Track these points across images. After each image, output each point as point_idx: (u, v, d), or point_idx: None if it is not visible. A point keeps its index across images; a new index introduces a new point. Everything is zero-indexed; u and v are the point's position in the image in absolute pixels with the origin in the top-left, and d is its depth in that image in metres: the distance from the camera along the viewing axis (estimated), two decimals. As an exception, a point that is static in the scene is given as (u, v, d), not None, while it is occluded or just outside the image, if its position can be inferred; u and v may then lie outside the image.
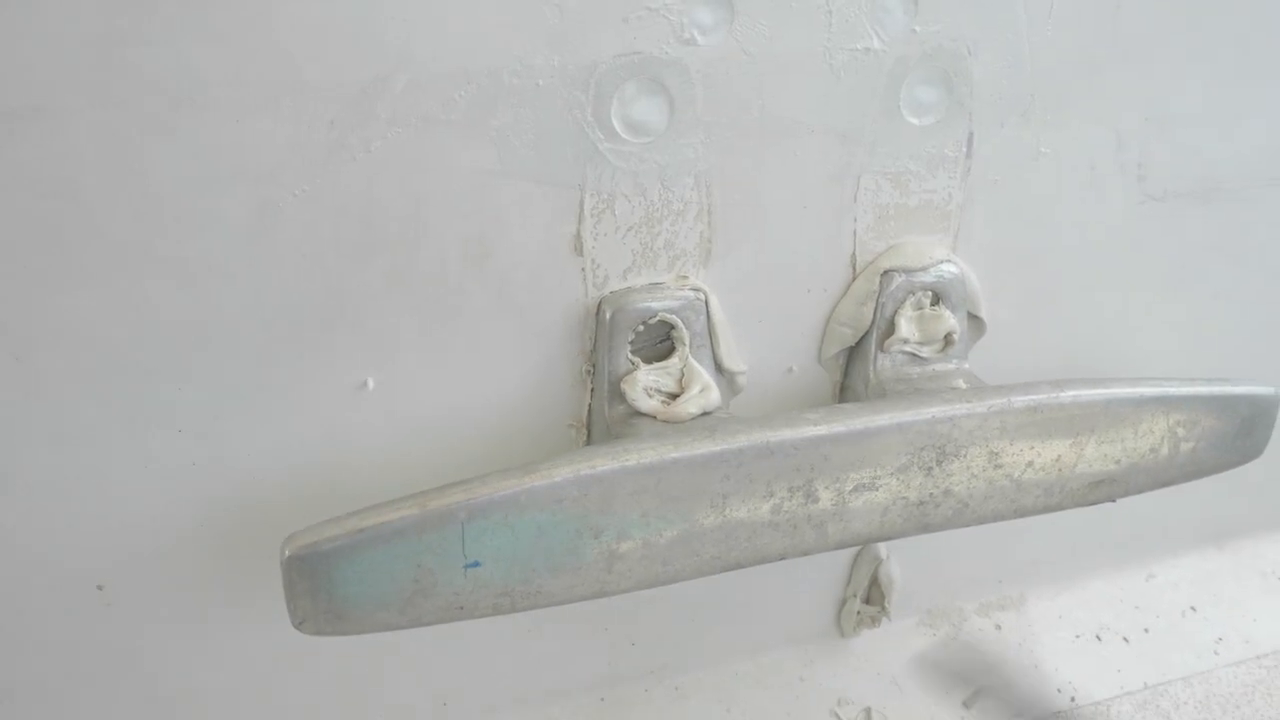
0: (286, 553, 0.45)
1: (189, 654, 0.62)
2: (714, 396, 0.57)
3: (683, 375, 0.57)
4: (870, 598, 0.78)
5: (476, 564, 0.48)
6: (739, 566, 0.55)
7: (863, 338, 0.64)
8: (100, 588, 0.57)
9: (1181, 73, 0.64)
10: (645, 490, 0.50)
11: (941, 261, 0.62)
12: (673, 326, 0.58)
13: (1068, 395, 0.58)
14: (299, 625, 0.47)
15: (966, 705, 0.80)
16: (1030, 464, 0.59)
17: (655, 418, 0.57)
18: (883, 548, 0.77)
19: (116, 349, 0.50)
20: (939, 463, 0.57)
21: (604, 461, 0.49)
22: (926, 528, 0.59)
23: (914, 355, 0.63)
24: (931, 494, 0.57)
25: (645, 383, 0.57)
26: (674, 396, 0.57)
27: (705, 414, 0.57)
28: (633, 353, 0.57)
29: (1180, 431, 0.62)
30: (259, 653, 0.63)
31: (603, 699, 0.75)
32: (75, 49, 0.43)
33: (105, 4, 0.43)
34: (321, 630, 0.47)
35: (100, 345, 0.50)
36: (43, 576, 0.56)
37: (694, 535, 0.53)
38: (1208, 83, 0.65)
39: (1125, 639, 0.87)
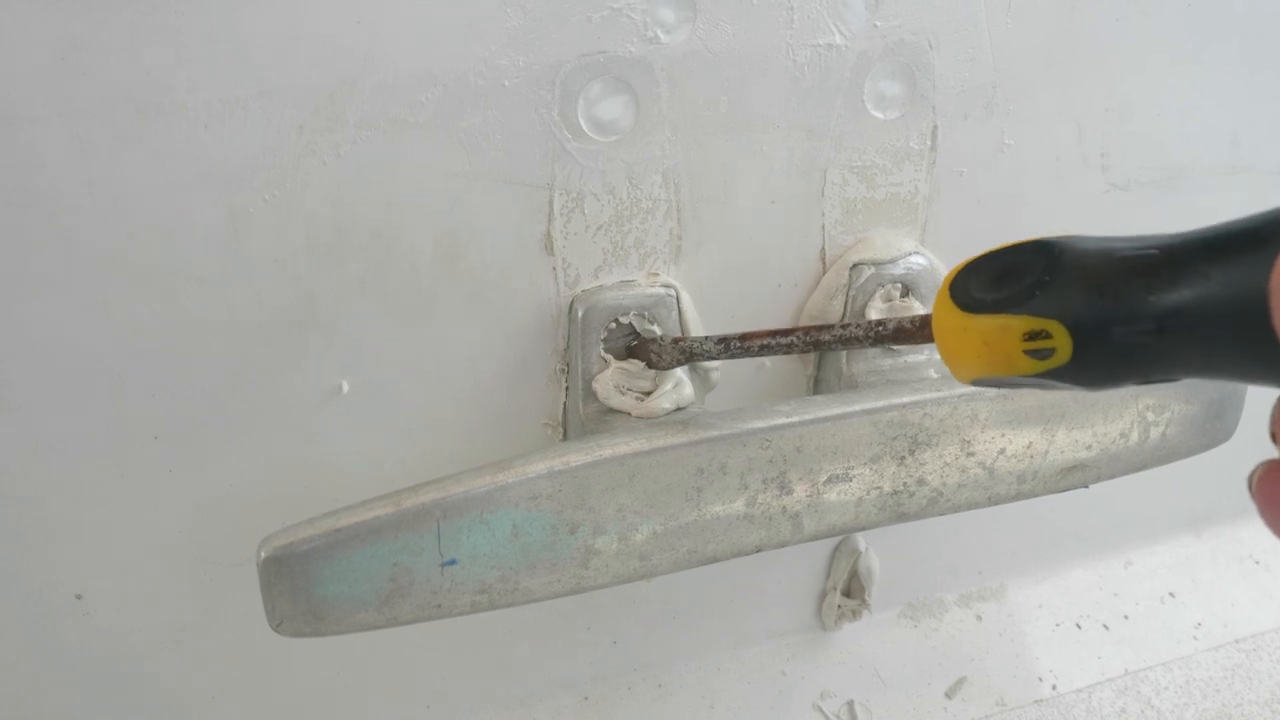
0: (263, 554, 0.46)
1: (170, 661, 0.62)
2: (687, 392, 0.57)
3: (655, 373, 0.58)
4: (850, 591, 0.79)
5: (453, 562, 0.48)
6: (715, 560, 0.55)
7: (834, 331, 0.64)
8: (79, 597, 0.57)
9: (1141, 63, 0.65)
10: (619, 485, 0.51)
11: (910, 254, 0.63)
12: (647, 322, 0.58)
13: (1037, 382, 0.59)
14: (277, 627, 0.47)
15: (948, 696, 0.81)
16: (1002, 451, 0.60)
17: (629, 414, 0.58)
18: (861, 540, 0.77)
19: (89, 357, 0.50)
20: (912, 452, 0.57)
21: (577, 456, 0.50)
22: (901, 517, 0.59)
23: (886, 347, 0.64)
24: (905, 483, 0.58)
25: (617, 380, 0.57)
26: (647, 393, 0.58)
27: (679, 409, 0.57)
28: (605, 350, 0.58)
29: (1150, 416, 0.63)
30: (240, 658, 0.63)
31: (586, 698, 0.75)
32: (38, 58, 0.43)
33: (68, 12, 0.43)
34: (300, 631, 0.47)
35: (72, 353, 0.50)
36: (20, 586, 0.56)
37: (669, 529, 0.53)
38: (1167, 73, 0.66)
39: (1105, 626, 0.88)
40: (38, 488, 0.53)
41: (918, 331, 0.40)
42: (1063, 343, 0.32)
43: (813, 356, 0.66)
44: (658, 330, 0.58)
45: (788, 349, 0.47)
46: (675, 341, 0.53)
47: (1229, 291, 0.28)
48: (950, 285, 0.36)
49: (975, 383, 0.36)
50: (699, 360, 0.53)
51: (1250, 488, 0.32)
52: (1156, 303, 0.29)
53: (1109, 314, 0.31)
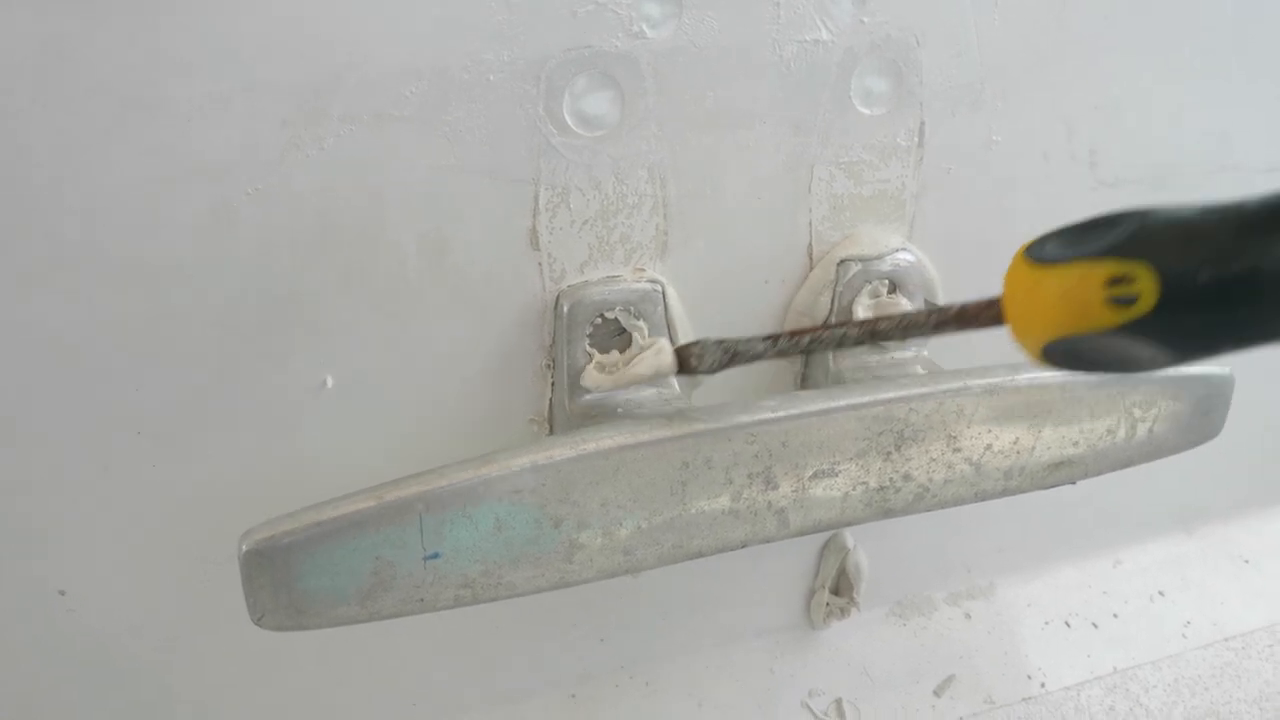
0: (244, 548, 0.45)
1: (154, 657, 0.61)
2: (667, 358, 0.56)
3: (635, 352, 0.58)
4: (839, 588, 0.79)
5: (436, 555, 0.48)
6: (700, 555, 0.55)
7: (822, 327, 0.64)
8: (62, 593, 0.57)
9: (1129, 60, 0.65)
10: (604, 479, 0.51)
11: (897, 250, 0.63)
12: (633, 318, 0.58)
13: (1024, 378, 0.59)
14: (258, 621, 0.47)
15: (937, 694, 0.81)
16: (989, 447, 0.60)
17: (618, 409, 0.57)
18: (850, 538, 0.77)
19: (71, 352, 0.50)
20: (898, 447, 0.57)
21: (561, 450, 0.50)
22: (888, 513, 0.59)
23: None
24: (891, 479, 0.58)
25: (600, 369, 0.57)
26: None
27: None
28: (591, 345, 0.58)
29: (1137, 412, 0.63)
30: (225, 655, 0.63)
31: (573, 696, 0.75)
32: (22, 51, 0.43)
33: (51, 6, 0.43)
34: (281, 625, 0.47)
35: (54, 348, 0.50)
36: (2, 583, 0.56)
37: (654, 524, 0.53)
38: (1155, 70, 0.66)
39: (1094, 624, 0.88)
40: (19, 483, 0.53)
41: (984, 311, 0.38)
42: (1148, 288, 0.30)
43: (800, 353, 0.66)
44: (643, 325, 0.58)
45: (840, 341, 0.45)
46: (719, 342, 0.50)
47: None
48: (1027, 249, 0.34)
49: (1046, 355, 0.34)
50: (744, 361, 0.50)
51: None
52: (1251, 250, 0.28)
53: (1199, 257, 0.29)
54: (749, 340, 0.48)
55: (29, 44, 0.43)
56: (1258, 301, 0.28)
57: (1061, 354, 0.33)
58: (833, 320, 0.44)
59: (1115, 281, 0.30)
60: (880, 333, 0.43)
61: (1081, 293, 0.31)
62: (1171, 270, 0.29)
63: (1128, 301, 0.30)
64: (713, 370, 0.50)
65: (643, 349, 0.57)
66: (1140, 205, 0.32)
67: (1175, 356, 0.31)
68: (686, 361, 0.51)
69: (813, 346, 0.45)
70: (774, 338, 0.46)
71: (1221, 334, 0.30)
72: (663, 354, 0.55)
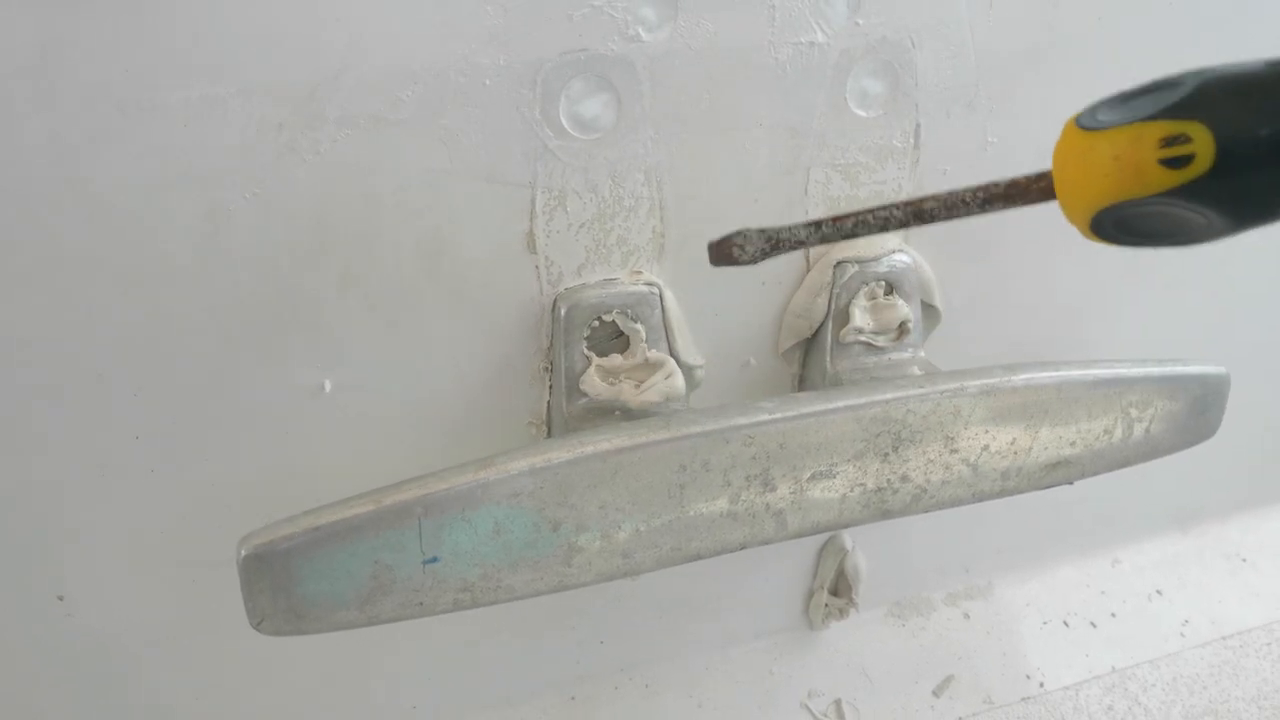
0: (243, 552, 0.45)
1: (152, 661, 0.61)
2: (679, 382, 0.57)
3: (646, 362, 0.58)
4: (837, 589, 0.79)
5: (435, 559, 0.48)
6: (699, 557, 0.55)
7: (819, 329, 0.64)
8: (61, 598, 0.57)
9: (1122, 62, 0.65)
10: (602, 482, 0.51)
11: (894, 251, 0.63)
12: (630, 320, 0.58)
13: (1020, 379, 0.59)
14: (257, 625, 0.47)
15: (936, 694, 0.81)
16: (986, 448, 0.60)
17: (615, 411, 0.57)
18: (848, 539, 0.77)
19: (70, 356, 0.50)
20: (895, 449, 0.57)
21: (559, 453, 0.50)
22: (885, 514, 0.59)
23: (869, 345, 0.64)
24: (889, 480, 0.58)
25: (601, 375, 0.57)
26: (636, 381, 0.57)
27: (669, 400, 0.57)
28: (589, 348, 0.58)
29: (1133, 412, 0.63)
30: (223, 660, 0.63)
31: (573, 697, 0.75)
32: (19, 55, 0.43)
33: (48, 10, 0.43)
34: (280, 630, 0.47)
35: (53, 352, 0.50)
36: (1, 588, 0.56)
37: (652, 527, 0.53)
38: (1150, 70, 0.66)
39: (1092, 624, 0.88)
40: (18, 488, 0.53)
41: (1033, 185, 0.36)
42: (1204, 147, 0.28)
43: (797, 355, 0.66)
44: (640, 328, 0.58)
45: (885, 224, 0.41)
46: (761, 231, 0.46)
47: None
48: (1078, 117, 0.33)
49: (1095, 226, 0.32)
50: (786, 250, 0.46)
51: None
52: None
53: (1256, 109, 0.28)
54: (792, 227, 0.45)
55: (26, 48, 0.43)
56: None
57: (1112, 223, 0.32)
58: (872, 211, 0.41)
59: (1169, 142, 0.29)
60: (925, 212, 0.40)
61: (1134, 155, 0.30)
62: (1229, 127, 0.28)
63: (1183, 162, 0.29)
64: (755, 259, 0.47)
65: (652, 366, 0.57)
66: (1200, 66, 0.30)
67: (1231, 222, 0.30)
68: (729, 253, 0.48)
69: (856, 230, 0.42)
70: (817, 223, 0.43)
71: (1268, 166, 0.29)
72: (674, 378, 0.56)
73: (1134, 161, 0.30)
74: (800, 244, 0.45)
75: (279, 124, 0.48)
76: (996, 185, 0.37)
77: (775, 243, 0.45)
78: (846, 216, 0.42)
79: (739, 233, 0.46)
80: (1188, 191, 0.29)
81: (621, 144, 0.55)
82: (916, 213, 0.40)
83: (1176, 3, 0.64)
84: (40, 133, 0.45)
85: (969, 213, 0.39)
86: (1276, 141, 0.27)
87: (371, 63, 0.48)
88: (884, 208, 0.40)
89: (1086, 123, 0.32)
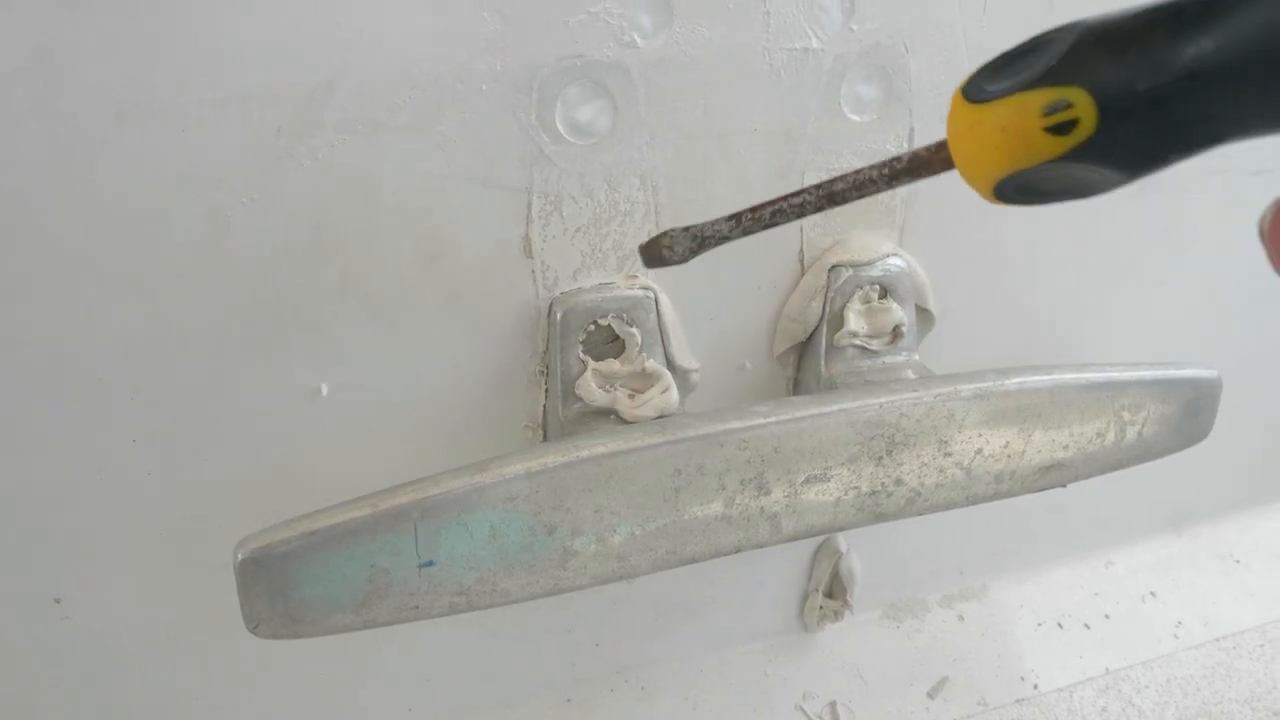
0: (240, 556, 0.46)
1: (149, 665, 0.62)
2: (673, 397, 0.58)
3: (644, 371, 0.58)
4: (832, 592, 0.79)
5: (431, 563, 0.49)
6: (694, 561, 0.55)
7: (813, 333, 0.64)
8: (58, 601, 0.57)
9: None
10: (597, 486, 0.51)
11: (888, 255, 0.63)
12: (626, 324, 0.58)
13: (1013, 383, 0.59)
14: (254, 629, 0.47)
15: (931, 696, 0.81)
16: (979, 451, 0.60)
17: (613, 413, 0.58)
18: (843, 541, 0.78)
19: (67, 359, 0.50)
20: (889, 452, 0.58)
21: (555, 457, 0.50)
22: (880, 517, 0.60)
23: (864, 348, 0.64)
24: (883, 483, 0.58)
25: (597, 380, 0.57)
26: (631, 391, 0.58)
27: (663, 415, 0.57)
28: (584, 352, 0.58)
29: (1126, 415, 0.64)
30: (220, 663, 0.63)
31: (568, 700, 0.75)
32: (17, 60, 0.43)
33: (46, 14, 0.43)
34: (277, 634, 0.47)
35: (50, 356, 0.50)
36: (-1, 591, 0.56)
37: (647, 530, 0.53)
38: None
39: (1086, 625, 0.88)
40: (15, 490, 0.53)
41: (935, 156, 0.36)
42: (1086, 110, 0.29)
43: (792, 358, 0.67)
44: (636, 333, 0.58)
45: (800, 210, 0.42)
46: (686, 230, 0.46)
47: (1258, 8, 0.25)
48: (963, 88, 0.33)
49: (998, 194, 0.33)
50: (713, 245, 0.46)
51: (1261, 233, 0.29)
52: (1184, 45, 0.27)
53: (1132, 66, 0.28)
54: (714, 222, 0.45)
55: (24, 53, 0.43)
56: (1199, 107, 0.27)
57: (1013, 190, 0.32)
58: (796, 196, 0.42)
59: (1052, 109, 0.29)
60: (837, 194, 0.40)
61: (1020, 126, 0.30)
62: (1107, 88, 0.28)
63: (1068, 127, 0.29)
64: (685, 259, 0.48)
65: (649, 377, 0.57)
66: (1072, 20, 0.30)
67: (1126, 174, 0.30)
68: (659, 254, 0.48)
69: (775, 219, 0.43)
70: (737, 216, 0.44)
71: (1168, 144, 0.29)
72: (669, 393, 0.56)
73: (1021, 133, 0.30)
74: (725, 238, 0.45)
75: (277, 129, 0.49)
76: (900, 160, 0.37)
77: (701, 239, 0.46)
78: (764, 206, 0.42)
79: (666, 233, 0.47)
80: (1077, 154, 0.30)
81: (617, 149, 0.55)
82: (828, 195, 0.40)
83: (1169, 8, 0.65)
84: (39, 136, 0.45)
85: (878, 189, 0.39)
86: (1155, 95, 0.28)
87: (369, 68, 0.49)
88: (798, 193, 0.41)
89: (972, 94, 0.32)
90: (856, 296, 0.63)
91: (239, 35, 0.46)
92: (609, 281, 0.59)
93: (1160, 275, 0.76)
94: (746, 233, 0.44)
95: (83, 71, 0.44)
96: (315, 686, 0.67)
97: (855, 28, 0.57)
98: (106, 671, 0.61)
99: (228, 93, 0.47)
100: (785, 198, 0.42)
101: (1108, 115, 0.29)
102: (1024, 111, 0.30)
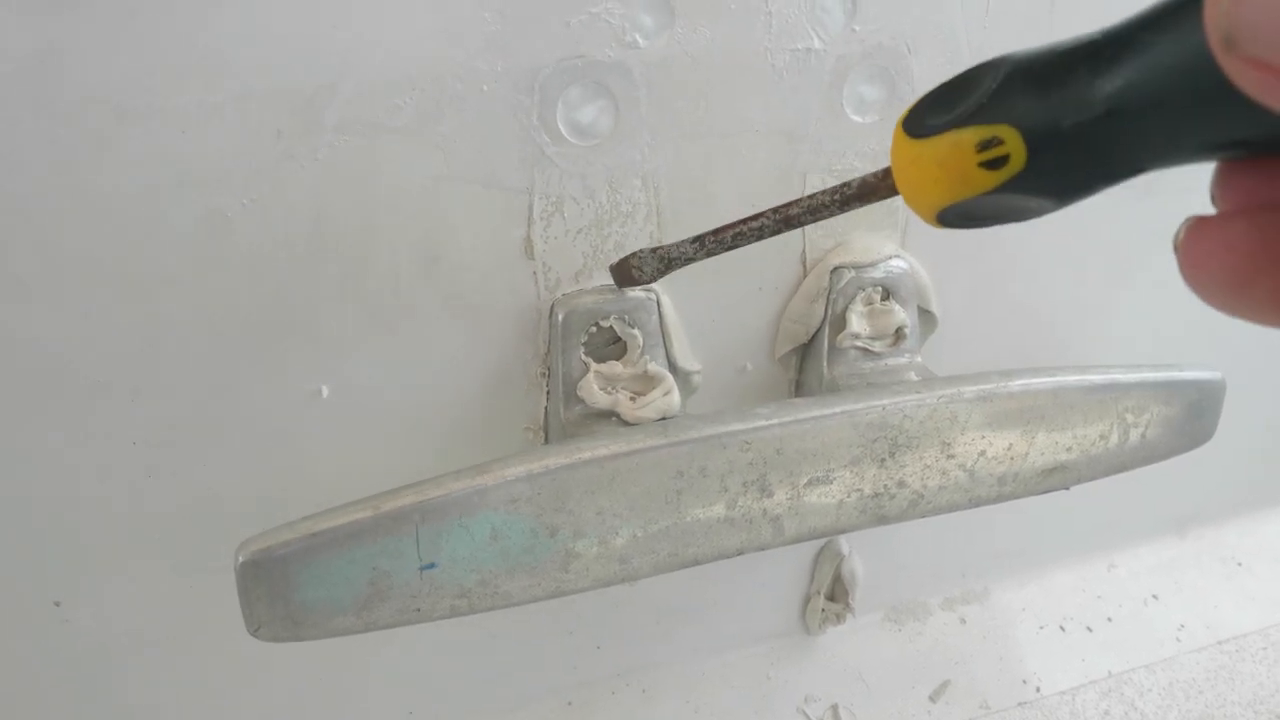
0: (240, 558, 0.45)
1: (149, 668, 0.61)
2: (675, 400, 0.57)
3: (646, 374, 0.58)
4: (834, 594, 0.79)
5: (432, 566, 0.48)
6: (696, 563, 0.55)
7: (815, 335, 0.64)
8: (57, 604, 0.57)
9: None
10: (599, 488, 0.51)
11: (891, 257, 0.63)
12: (628, 325, 0.58)
13: (1016, 384, 0.59)
14: (255, 632, 0.47)
15: (932, 699, 0.81)
16: (982, 453, 0.60)
17: (614, 415, 0.58)
18: (845, 544, 0.77)
19: (66, 362, 0.50)
20: (892, 454, 0.57)
21: (556, 459, 0.50)
22: (882, 520, 0.59)
23: (866, 350, 0.64)
24: (886, 486, 0.58)
25: (599, 382, 0.57)
26: (633, 394, 0.58)
27: (664, 417, 0.57)
28: (586, 354, 0.58)
29: (1129, 418, 0.64)
30: (221, 666, 0.63)
31: (569, 703, 0.75)
32: (15, 61, 0.43)
33: (45, 15, 0.43)
34: (278, 636, 0.47)
35: (49, 358, 0.50)
36: (-2, 594, 0.56)
37: (649, 532, 0.53)
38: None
39: (1089, 628, 0.88)
40: (14, 493, 0.53)
41: (881, 183, 0.38)
42: (1016, 147, 0.31)
43: (794, 360, 0.67)
44: (638, 334, 0.58)
45: (759, 233, 0.45)
46: (653, 251, 0.51)
47: (1171, 47, 0.27)
48: (904, 121, 0.34)
49: (942, 221, 0.35)
50: (679, 265, 0.50)
51: (1175, 248, 0.30)
52: (1102, 84, 0.28)
53: (1056, 105, 0.30)
54: (680, 244, 0.49)
55: (23, 54, 0.43)
56: (1120, 140, 0.29)
57: (955, 217, 0.34)
58: (772, 215, 0.44)
59: (984, 146, 0.31)
60: (792, 218, 0.43)
61: (956, 162, 0.32)
62: (1034, 128, 0.30)
63: (1000, 162, 0.31)
64: (654, 278, 0.51)
65: (651, 380, 0.57)
66: (999, 55, 0.32)
67: (1057, 202, 0.32)
68: (628, 274, 0.52)
69: (736, 241, 0.46)
70: (700, 238, 0.47)
71: (1093, 175, 0.31)
72: (671, 395, 0.56)
73: (958, 168, 0.32)
74: (690, 259, 0.49)
75: (277, 130, 0.48)
76: (849, 185, 0.40)
77: (668, 261, 0.50)
78: (725, 229, 0.46)
79: (635, 254, 0.51)
80: (1010, 187, 0.32)
81: (619, 150, 0.55)
82: (785, 219, 0.43)
83: (1171, 9, 0.65)
84: (37, 137, 0.45)
85: (831, 213, 0.42)
86: (1077, 131, 0.29)
87: (370, 69, 0.49)
88: (755, 217, 0.44)
89: (912, 129, 0.34)
90: (859, 298, 0.63)
91: (239, 36, 0.46)
92: (610, 283, 0.58)
93: (1163, 277, 0.75)
94: (710, 254, 0.48)
95: (83, 72, 0.44)
96: (316, 689, 0.67)
97: (857, 28, 0.56)
98: (107, 674, 0.61)
99: (228, 94, 0.47)
100: (744, 221, 0.45)
101: (1035, 151, 0.30)
102: (959, 148, 0.32)
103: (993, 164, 0.31)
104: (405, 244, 0.53)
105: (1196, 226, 0.28)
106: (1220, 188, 0.29)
